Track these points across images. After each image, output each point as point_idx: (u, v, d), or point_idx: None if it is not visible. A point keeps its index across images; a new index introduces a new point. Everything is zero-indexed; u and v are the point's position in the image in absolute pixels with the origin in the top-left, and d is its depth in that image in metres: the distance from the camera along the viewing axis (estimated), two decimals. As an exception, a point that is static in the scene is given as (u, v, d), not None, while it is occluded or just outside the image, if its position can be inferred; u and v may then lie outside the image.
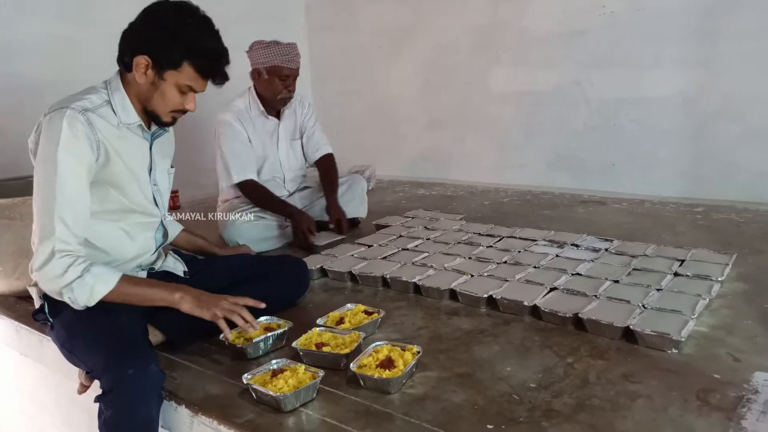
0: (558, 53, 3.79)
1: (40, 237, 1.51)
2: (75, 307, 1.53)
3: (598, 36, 3.60)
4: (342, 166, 3.17)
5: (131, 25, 1.63)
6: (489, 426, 1.32)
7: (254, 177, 2.78)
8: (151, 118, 1.69)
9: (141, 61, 1.57)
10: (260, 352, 1.69)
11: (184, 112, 1.69)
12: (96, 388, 1.59)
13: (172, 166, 1.88)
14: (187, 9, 1.62)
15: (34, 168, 1.59)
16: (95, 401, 1.46)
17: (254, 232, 2.68)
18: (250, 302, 1.69)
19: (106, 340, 1.50)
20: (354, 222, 3.07)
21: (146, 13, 1.62)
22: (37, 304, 1.73)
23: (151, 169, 1.76)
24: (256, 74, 2.80)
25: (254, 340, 1.66)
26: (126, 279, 1.57)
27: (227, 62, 1.66)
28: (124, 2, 3.51)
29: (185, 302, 1.60)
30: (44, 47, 3.33)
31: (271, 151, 2.91)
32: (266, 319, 1.81)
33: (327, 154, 3.05)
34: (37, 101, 3.22)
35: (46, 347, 1.95)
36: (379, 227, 2.95)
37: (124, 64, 1.63)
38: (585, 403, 1.39)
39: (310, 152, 3.04)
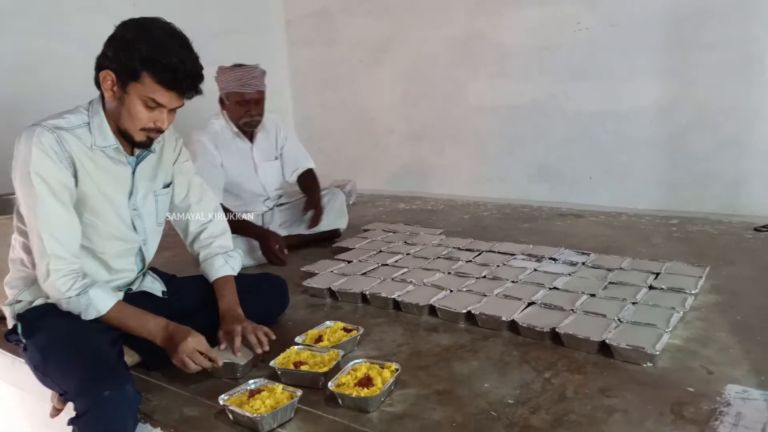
0: (535, 66, 3.85)
1: (36, 255, 1.56)
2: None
3: (573, 50, 3.67)
4: (323, 181, 3.17)
5: (103, 46, 1.61)
6: (467, 443, 1.32)
7: (219, 201, 2.73)
8: (126, 138, 1.64)
9: (106, 76, 1.56)
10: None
11: (157, 130, 1.63)
12: (69, 410, 1.58)
13: (167, 185, 1.83)
14: (152, 21, 1.58)
15: (15, 187, 1.58)
16: (68, 424, 1.43)
17: (239, 245, 2.65)
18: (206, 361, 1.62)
19: (80, 362, 1.48)
20: (334, 234, 3.07)
21: (113, 32, 1.59)
22: (10, 324, 1.70)
23: (131, 194, 1.73)
24: (220, 100, 2.80)
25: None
26: (117, 310, 1.60)
27: (194, 73, 1.58)
28: (99, 19, 3.53)
29: (166, 348, 1.61)
30: (19, 63, 3.29)
31: (248, 173, 2.88)
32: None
33: (308, 169, 3.05)
34: (12, 117, 3.22)
35: (19, 369, 1.91)
36: (340, 249, 2.89)
37: (97, 83, 1.61)
38: (563, 419, 1.40)
39: (289, 171, 3.03)
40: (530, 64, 3.86)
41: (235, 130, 2.82)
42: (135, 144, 1.67)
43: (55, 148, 1.54)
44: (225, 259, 1.92)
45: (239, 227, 2.66)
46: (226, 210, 2.66)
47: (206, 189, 1.97)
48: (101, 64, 1.58)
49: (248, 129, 2.83)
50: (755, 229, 2.96)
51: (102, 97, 1.64)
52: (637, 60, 3.47)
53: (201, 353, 1.58)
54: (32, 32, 3.35)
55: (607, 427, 1.36)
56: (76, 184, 1.60)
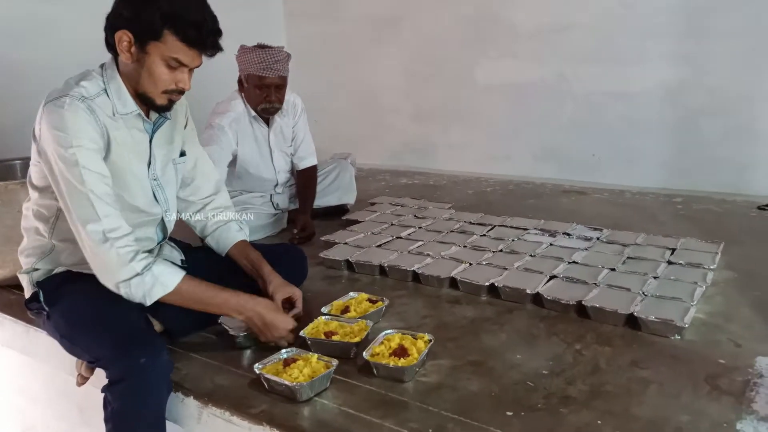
0: (544, 47, 3.81)
1: (83, 222, 1.44)
2: (127, 299, 1.48)
3: (584, 31, 3.64)
4: (321, 155, 3.10)
5: (113, 4, 1.52)
6: (508, 413, 1.32)
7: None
8: (146, 103, 1.57)
9: (122, 36, 1.47)
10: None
11: (179, 92, 1.56)
12: (96, 379, 1.55)
13: (183, 154, 1.76)
14: None
15: (41, 159, 1.50)
16: (102, 391, 1.40)
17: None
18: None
19: (113, 329, 1.44)
20: (342, 209, 3.04)
21: None
22: (28, 292, 1.66)
23: (150, 163, 1.66)
24: (239, 82, 2.69)
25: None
26: (187, 284, 1.52)
27: (216, 30, 1.52)
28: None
29: (247, 321, 1.58)
30: (25, 28, 3.17)
31: (263, 158, 2.79)
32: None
33: (311, 167, 2.93)
34: (18, 83, 3.11)
35: (33, 338, 1.87)
36: (350, 222, 2.85)
37: (110, 46, 1.52)
38: (599, 390, 1.41)
39: (295, 160, 2.93)
40: (540, 44, 3.82)
41: (253, 113, 2.70)
42: (156, 107, 1.59)
43: (89, 118, 1.47)
44: (239, 225, 1.88)
45: None
46: None
47: (211, 162, 1.91)
48: (115, 23, 1.49)
49: (265, 115, 2.72)
50: (759, 208, 3.00)
51: (115, 60, 1.56)
52: (649, 43, 3.45)
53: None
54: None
55: (644, 398, 1.37)
56: (108, 155, 1.53)
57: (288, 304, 1.73)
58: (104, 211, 1.44)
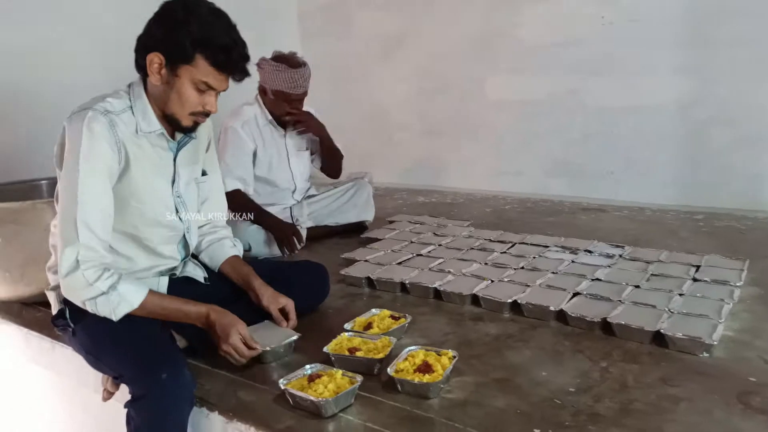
0: (554, 62, 3.82)
1: (64, 243, 1.46)
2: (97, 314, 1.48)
3: (593, 45, 3.65)
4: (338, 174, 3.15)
5: (144, 27, 1.57)
6: (536, 430, 1.31)
7: (246, 189, 2.70)
8: (171, 124, 1.61)
9: (153, 59, 1.51)
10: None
11: (205, 114, 1.60)
12: (121, 394, 1.56)
13: (204, 173, 1.80)
14: (199, 1, 1.54)
15: (58, 173, 1.54)
16: (125, 407, 1.41)
17: (259, 235, 2.63)
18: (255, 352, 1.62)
19: (136, 345, 1.46)
20: (361, 226, 3.05)
21: (157, 11, 1.55)
22: (55, 309, 1.67)
23: (174, 181, 1.69)
24: (262, 90, 2.77)
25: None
26: (150, 299, 1.52)
27: (245, 55, 1.56)
28: (106, 8, 3.50)
29: (210, 330, 1.58)
30: (28, 52, 3.24)
31: (281, 161, 2.86)
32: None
33: None
34: (31, 106, 3.17)
35: (59, 354, 1.89)
36: (369, 240, 2.86)
37: (139, 67, 1.57)
38: (628, 407, 1.38)
39: (316, 164, 3.05)
40: (550, 59, 3.84)
41: (269, 117, 2.79)
42: (181, 129, 1.63)
43: (107, 134, 1.50)
44: (233, 242, 1.92)
45: (258, 217, 2.63)
46: (246, 198, 2.65)
47: (220, 187, 1.95)
48: (147, 45, 1.53)
49: (288, 127, 2.83)
50: (783, 225, 2.96)
51: (143, 80, 1.60)
52: (658, 56, 3.44)
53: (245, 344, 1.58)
54: (45, 20, 3.28)
55: (675, 416, 1.34)
56: (126, 171, 1.56)
57: (283, 315, 1.76)
58: (84, 237, 1.45)
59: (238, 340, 1.56)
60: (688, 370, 1.55)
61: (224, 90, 1.60)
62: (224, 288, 1.87)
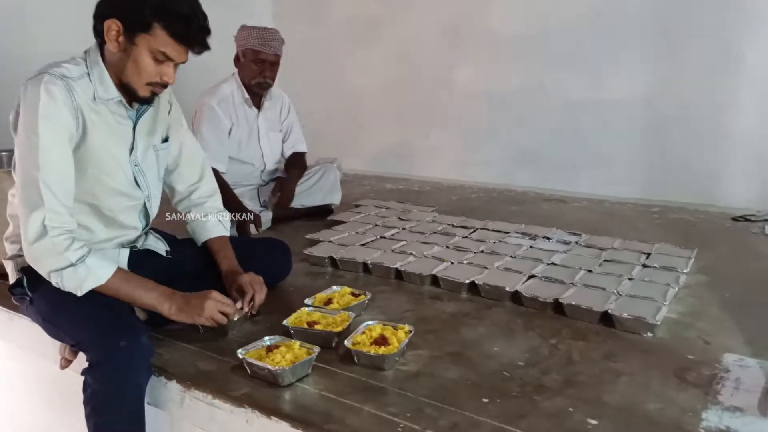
0: (523, 54, 3.90)
1: (28, 208, 1.44)
2: (60, 288, 1.47)
3: (561, 38, 3.74)
4: (307, 159, 3.17)
5: None
6: (484, 399, 1.36)
7: (223, 169, 2.70)
8: (128, 93, 1.58)
9: (111, 25, 1.48)
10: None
11: (163, 85, 1.58)
12: (78, 363, 1.57)
13: (166, 140, 1.78)
14: None
15: (15, 140, 1.52)
16: (82, 374, 1.42)
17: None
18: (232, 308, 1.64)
19: (94, 312, 1.47)
20: (327, 209, 3.08)
21: None
22: (12, 278, 1.66)
23: (132, 149, 1.67)
24: (236, 58, 2.78)
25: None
26: (118, 276, 1.51)
27: (205, 28, 1.55)
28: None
29: (173, 314, 1.56)
30: (6, 16, 3.18)
31: (252, 140, 2.87)
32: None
33: (300, 152, 3.08)
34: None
35: (16, 324, 1.88)
36: (335, 222, 2.89)
37: (97, 32, 1.54)
38: (572, 379, 1.45)
39: (286, 149, 3.05)
40: (518, 50, 3.91)
41: (246, 96, 2.81)
42: (138, 99, 1.60)
43: (65, 97, 1.48)
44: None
45: (228, 198, 2.62)
46: (221, 179, 2.65)
47: (197, 147, 1.93)
48: (104, 12, 1.50)
49: (258, 91, 2.82)
50: (733, 219, 3.08)
51: (100, 46, 1.57)
52: (624, 52, 3.55)
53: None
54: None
55: (615, 387, 1.42)
56: (84, 138, 1.54)
57: (239, 294, 1.74)
58: (50, 201, 1.43)
59: (216, 303, 1.58)
60: (631, 348, 1.63)
61: (183, 62, 1.58)
62: (186, 263, 1.87)
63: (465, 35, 4.11)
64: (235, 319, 1.66)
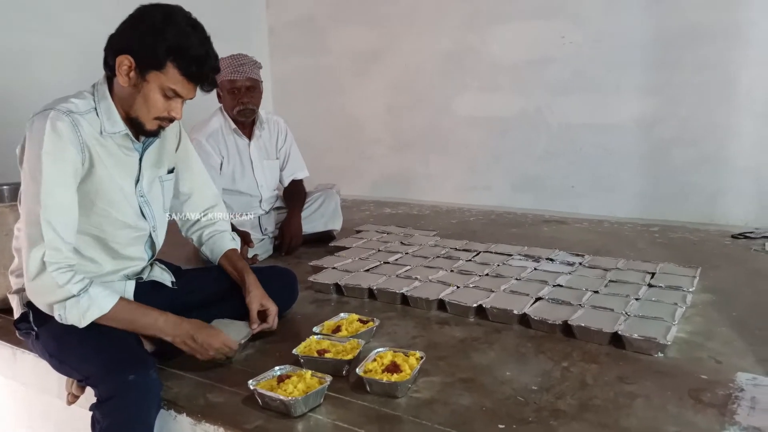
0: (522, 80, 3.95)
1: (29, 244, 1.44)
2: (62, 322, 1.46)
3: (560, 64, 3.79)
4: (306, 185, 3.17)
5: (118, 27, 1.57)
6: (500, 426, 1.35)
7: None
8: (135, 127, 1.60)
9: (123, 61, 1.50)
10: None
11: (170, 120, 1.60)
12: (85, 399, 1.54)
13: (171, 171, 1.80)
14: (176, 10, 1.55)
15: (21, 174, 1.52)
16: (90, 410, 1.40)
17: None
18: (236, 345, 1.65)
19: (102, 347, 1.45)
20: (329, 235, 3.07)
21: (133, 13, 1.55)
22: (17, 313, 1.64)
23: (138, 181, 1.68)
24: (217, 93, 2.77)
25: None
26: (121, 305, 1.51)
27: (216, 67, 1.59)
28: (82, 14, 3.50)
29: (178, 344, 1.57)
30: (10, 57, 3.21)
31: (245, 170, 2.86)
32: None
33: (299, 180, 3.08)
34: (2, 111, 3.12)
35: (20, 360, 1.85)
36: (337, 248, 2.89)
37: (108, 66, 1.56)
38: (588, 404, 1.44)
39: (285, 177, 3.04)
40: (518, 77, 3.96)
41: (233, 126, 2.80)
42: (144, 132, 1.62)
43: (70, 134, 1.48)
44: (232, 236, 1.94)
45: None
46: None
47: (207, 175, 1.96)
48: (118, 46, 1.52)
49: (243, 119, 2.79)
50: (733, 236, 3.10)
51: (108, 79, 1.59)
52: (622, 76, 3.60)
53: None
54: (20, 28, 3.26)
55: (632, 411, 1.40)
56: (90, 171, 1.55)
57: (262, 318, 1.78)
58: (50, 238, 1.43)
59: (221, 346, 1.60)
60: (644, 369, 1.62)
61: (191, 98, 1.61)
62: (192, 294, 1.86)
63: (464, 63, 4.16)
64: (242, 342, 1.68)
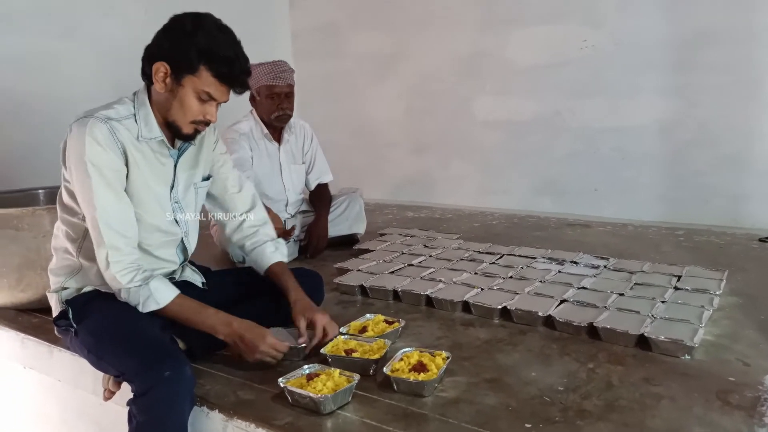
0: (540, 83, 3.95)
1: (95, 244, 1.56)
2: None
3: (578, 67, 3.78)
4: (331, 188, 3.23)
5: (154, 37, 1.63)
6: (527, 425, 1.36)
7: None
8: (172, 130, 1.67)
9: (159, 67, 1.57)
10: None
11: (206, 123, 1.66)
12: (120, 396, 1.59)
13: (207, 178, 1.85)
14: (206, 16, 1.61)
15: (72, 181, 1.59)
16: (127, 405, 1.44)
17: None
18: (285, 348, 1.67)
19: (138, 343, 1.50)
20: (353, 238, 3.11)
21: (166, 23, 1.62)
22: (56, 310, 1.70)
23: (173, 187, 1.74)
24: (252, 97, 2.84)
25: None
26: (177, 302, 1.60)
27: (246, 70, 1.63)
28: (108, 21, 3.59)
29: (228, 341, 1.63)
30: (32, 61, 3.30)
31: (274, 174, 2.92)
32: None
33: (325, 183, 3.13)
34: (22, 115, 3.22)
35: (56, 358, 1.91)
36: (361, 251, 2.91)
37: (145, 74, 1.63)
38: (614, 404, 1.45)
39: (312, 180, 3.10)
40: (536, 80, 3.96)
41: (265, 131, 2.86)
42: (181, 136, 1.68)
43: (108, 139, 1.55)
44: (275, 245, 1.95)
45: None
46: None
47: (244, 179, 1.99)
48: (153, 55, 1.59)
49: (278, 124, 2.86)
50: (760, 240, 3.06)
51: (147, 87, 1.66)
52: (641, 79, 3.58)
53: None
54: (46, 33, 3.36)
55: (658, 412, 1.41)
56: (127, 175, 1.61)
57: (310, 328, 1.76)
58: (109, 238, 1.54)
59: (268, 348, 1.61)
60: (670, 371, 1.62)
61: (225, 101, 1.66)
62: (221, 294, 1.90)
63: (482, 67, 4.17)
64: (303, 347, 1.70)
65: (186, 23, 1.59)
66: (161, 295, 1.57)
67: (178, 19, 1.61)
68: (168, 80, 1.58)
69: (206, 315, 1.62)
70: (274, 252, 1.91)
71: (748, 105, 3.30)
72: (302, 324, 1.74)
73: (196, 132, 1.68)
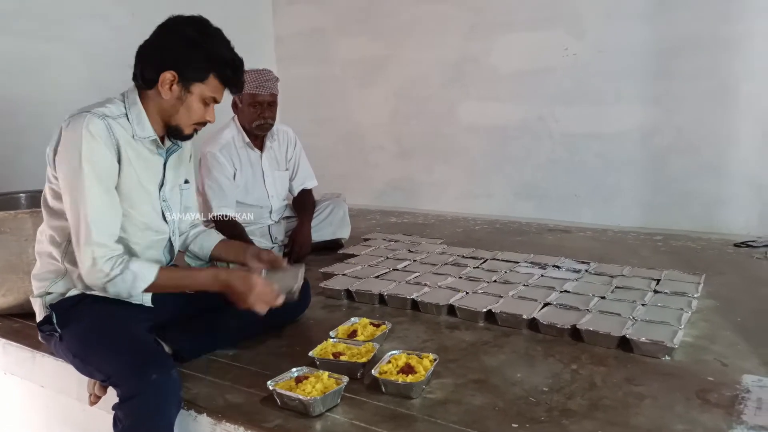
0: (524, 89, 4.00)
1: (81, 242, 1.54)
2: (122, 298, 1.59)
3: (561, 74, 3.85)
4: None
5: (149, 42, 1.64)
6: (514, 425, 1.39)
7: (232, 214, 2.73)
8: (172, 133, 1.70)
9: (167, 76, 1.59)
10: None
11: (204, 124, 1.71)
12: (103, 402, 1.58)
13: (186, 181, 1.86)
14: (202, 22, 1.64)
15: (59, 175, 1.57)
16: (113, 409, 1.43)
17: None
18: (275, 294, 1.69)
19: (124, 347, 1.50)
20: (337, 243, 3.11)
21: (163, 29, 1.63)
22: (40, 315, 1.69)
23: (162, 185, 1.75)
24: (234, 104, 2.83)
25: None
26: (164, 273, 1.60)
27: (243, 70, 1.69)
28: (94, 24, 3.57)
29: (230, 288, 1.64)
30: (19, 65, 3.27)
31: (257, 182, 2.90)
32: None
33: (307, 190, 3.11)
34: (9, 118, 3.18)
35: (39, 363, 1.89)
36: (346, 256, 2.92)
37: (145, 80, 1.63)
38: (598, 404, 1.48)
39: (295, 186, 3.09)
40: (520, 87, 4.02)
41: (246, 139, 2.83)
42: (182, 137, 1.72)
43: (105, 136, 1.56)
44: (218, 234, 2.00)
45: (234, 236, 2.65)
46: (235, 223, 2.68)
47: (195, 198, 2.01)
48: (158, 63, 1.60)
49: (260, 132, 2.84)
50: (735, 245, 3.14)
51: (138, 88, 1.66)
52: (622, 86, 3.66)
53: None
54: (32, 35, 3.33)
55: (640, 410, 1.44)
56: (120, 172, 1.61)
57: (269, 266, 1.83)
58: (96, 235, 1.53)
59: (263, 284, 1.64)
60: (651, 371, 1.66)
61: (220, 102, 1.72)
62: (205, 300, 1.90)
63: (468, 73, 4.22)
64: (294, 289, 1.74)
65: (189, 31, 1.61)
66: (146, 273, 1.57)
67: (178, 24, 1.63)
68: (175, 87, 1.61)
69: (195, 275, 1.67)
70: (216, 234, 1.97)
71: (724, 112, 3.39)
72: (267, 258, 1.83)
73: (195, 132, 1.73)
